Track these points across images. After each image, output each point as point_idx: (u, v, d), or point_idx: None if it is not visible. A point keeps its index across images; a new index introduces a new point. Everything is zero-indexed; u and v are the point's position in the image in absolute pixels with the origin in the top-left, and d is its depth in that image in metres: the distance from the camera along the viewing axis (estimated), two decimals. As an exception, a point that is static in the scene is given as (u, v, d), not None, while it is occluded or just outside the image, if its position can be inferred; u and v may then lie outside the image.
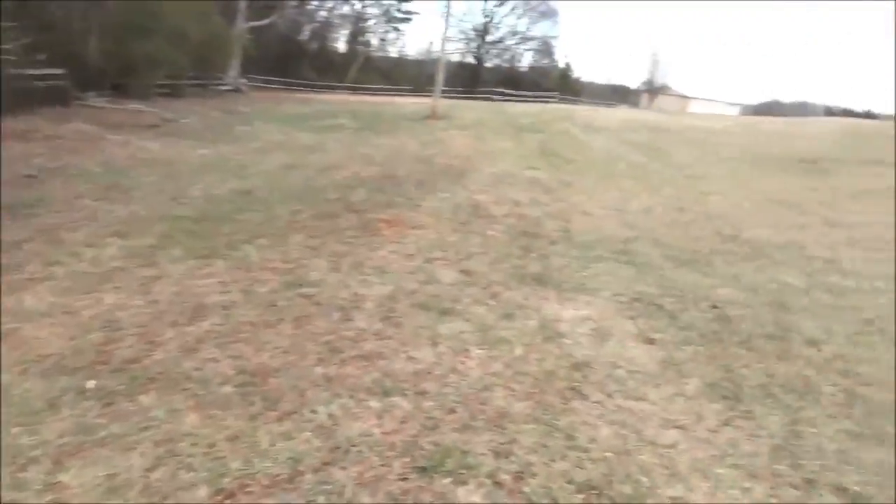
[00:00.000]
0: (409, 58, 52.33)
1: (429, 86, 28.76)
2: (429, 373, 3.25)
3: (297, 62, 38.82)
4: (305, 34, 43.33)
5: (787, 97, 78.03)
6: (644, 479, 2.53)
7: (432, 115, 18.83)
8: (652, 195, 8.60)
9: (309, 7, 41.76)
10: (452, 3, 35.04)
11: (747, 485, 2.55)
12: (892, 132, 24.97)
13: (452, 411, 2.91)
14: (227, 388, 2.99)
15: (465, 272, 4.93)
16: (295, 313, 3.93)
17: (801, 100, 76.04)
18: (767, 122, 28.11)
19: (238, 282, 4.45)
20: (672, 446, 2.77)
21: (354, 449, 2.58)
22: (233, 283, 4.41)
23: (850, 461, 2.75)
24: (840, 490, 2.55)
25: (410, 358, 3.40)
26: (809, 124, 28.35)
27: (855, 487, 2.57)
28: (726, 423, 2.99)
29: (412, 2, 50.94)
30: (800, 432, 2.95)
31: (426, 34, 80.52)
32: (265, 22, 30.64)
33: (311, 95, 30.27)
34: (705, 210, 7.83)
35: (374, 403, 2.93)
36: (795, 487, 2.56)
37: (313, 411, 2.84)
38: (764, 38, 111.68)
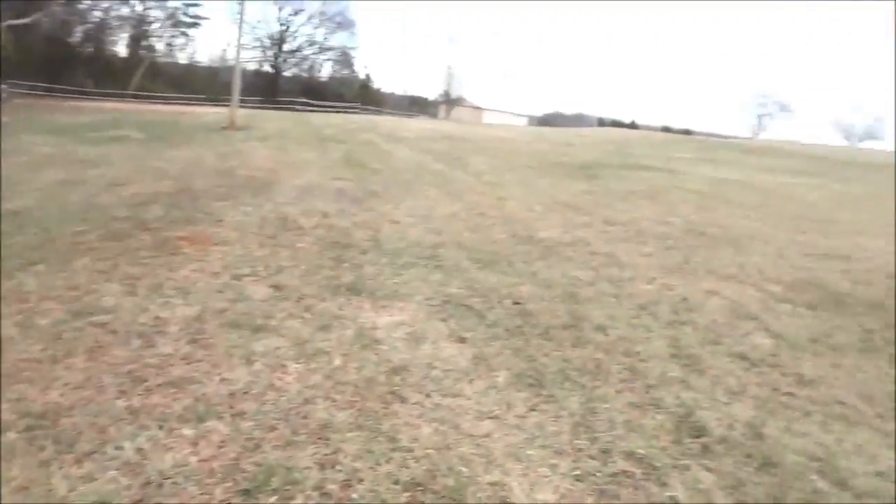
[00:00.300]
0: (200, 65, 49.60)
1: (224, 95, 27.50)
2: (245, 392, 3.14)
3: (69, 67, 34.99)
4: (77, 36, 39.20)
5: (567, 109, 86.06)
6: (464, 470, 2.67)
7: (231, 126, 18.06)
8: (454, 202, 9.03)
9: (80, 6, 37.85)
10: (245, 8, 33.85)
11: (554, 461, 2.81)
12: (654, 139, 28.68)
13: (273, 429, 2.84)
14: (10, 436, 2.64)
15: (277, 287, 4.82)
16: (87, 344, 3.57)
17: (578, 111, 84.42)
18: (552, 131, 30.83)
19: (13, 315, 3.94)
20: (487, 436, 2.96)
21: (169, 481, 2.42)
22: (6, 318, 3.89)
23: (636, 429, 3.14)
24: (629, 455, 2.91)
25: (224, 379, 3.26)
26: (587, 134, 31.57)
27: (640, 451, 2.94)
28: (533, 409, 3.26)
29: (201, 5, 48.31)
30: (594, 409, 3.30)
31: (219, 40, 76.72)
32: (26, 21, 27.21)
33: (89, 104, 27.49)
34: (503, 214, 8.39)
35: (188, 431, 2.77)
36: (593, 458, 2.87)
37: (118, 448, 2.61)
38: (552, 49, 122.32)
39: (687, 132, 75.27)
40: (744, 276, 6.13)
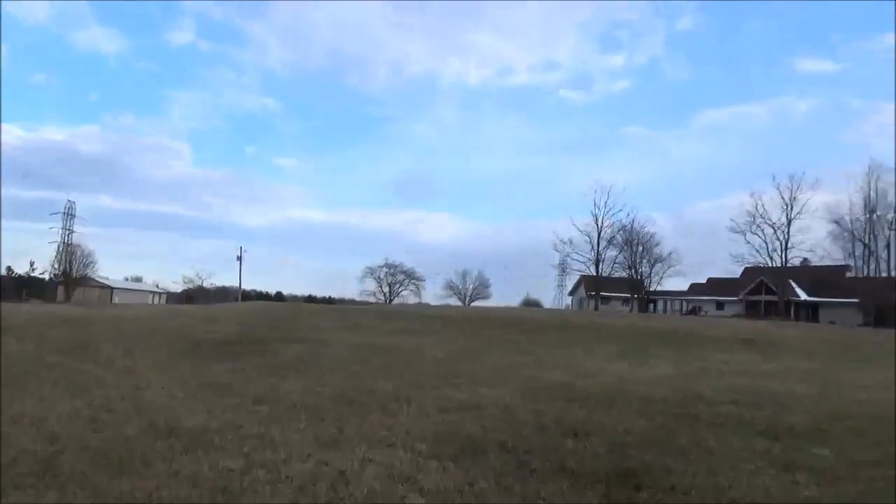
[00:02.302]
0: None
1: None
2: None
3: None
4: None
5: (209, 283, 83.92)
6: None
7: None
8: (77, 398, 7.77)
9: None
10: None
11: None
12: (299, 310, 29.40)
13: None
14: None
15: None
16: None
17: (221, 284, 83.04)
18: (195, 308, 29.51)
19: None
20: None
21: None
22: None
23: None
24: None
25: None
26: (232, 308, 31.02)
27: None
28: None
29: None
30: None
31: None
32: None
33: None
34: (139, 406, 7.48)
35: None
36: None
37: None
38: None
39: (330, 301, 79.65)
40: (394, 439, 6.39)
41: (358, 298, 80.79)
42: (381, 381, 9.81)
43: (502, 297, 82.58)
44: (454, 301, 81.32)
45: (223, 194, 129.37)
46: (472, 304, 77.33)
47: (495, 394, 8.93)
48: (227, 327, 19.04)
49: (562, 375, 11.12)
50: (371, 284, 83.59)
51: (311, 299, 78.94)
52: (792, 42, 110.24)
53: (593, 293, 66.39)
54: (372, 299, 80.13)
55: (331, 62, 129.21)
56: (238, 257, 72.21)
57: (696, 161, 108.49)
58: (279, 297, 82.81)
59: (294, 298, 78.92)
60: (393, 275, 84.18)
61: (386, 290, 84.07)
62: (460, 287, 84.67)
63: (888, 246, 50.72)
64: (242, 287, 74.23)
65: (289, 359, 12.03)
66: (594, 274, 65.30)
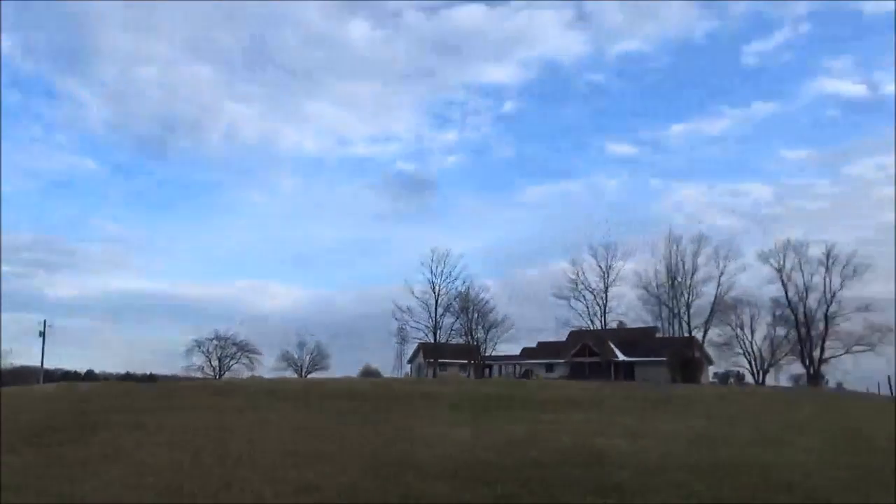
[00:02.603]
0: None
1: None
2: None
3: None
4: None
5: (4, 363, 73.38)
6: None
7: None
8: None
9: None
10: None
11: None
12: (113, 390, 26.56)
13: None
14: None
15: None
16: None
17: (21, 364, 73.09)
18: (-18, 394, 25.55)
19: None
20: None
21: None
22: None
23: None
24: None
25: None
26: (30, 391, 27.38)
27: None
28: None
29: None
30: None
31: None
32: None
33: None
34: None
35: None
36: None
37: None
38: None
39: (151, 378, 72.92)
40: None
41: (183, 374, 74.62)
42: (210, 466, 9.03)
43: (341, 367, 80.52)
44: (290, 373, 77.84)
45: (24, 261, 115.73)
46: (310, 376, 74.53)
47: (336, 471, 8.57)
48: (25, 415, 16.70)
49: (404, 447, 10.97)
50: (199, 358, 77.61)
51: (128, 377, 71.85)
52: (600, 126, 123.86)
53: (432, 360, 67.08)
54: (199, 375, 74.39)
55: (160, 124, 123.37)
56: (41, 332, 64.31)
57: (524, 230, 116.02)
58: (90, 376, 74.52)
59: (108, 377, 71.37)
60: (224, 347, 79.03)
61: (216, 363, 78.57)
62: (297, 358, 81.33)
63: (688, 307, 57.05)
64: (47, 366, 65.96)
65: (99, 449, 10.72)
66: (432, 341, 66.15)
